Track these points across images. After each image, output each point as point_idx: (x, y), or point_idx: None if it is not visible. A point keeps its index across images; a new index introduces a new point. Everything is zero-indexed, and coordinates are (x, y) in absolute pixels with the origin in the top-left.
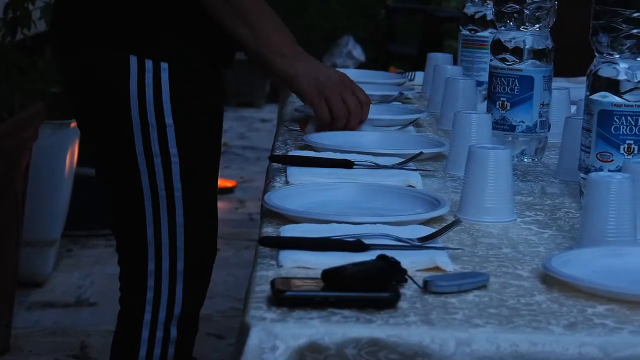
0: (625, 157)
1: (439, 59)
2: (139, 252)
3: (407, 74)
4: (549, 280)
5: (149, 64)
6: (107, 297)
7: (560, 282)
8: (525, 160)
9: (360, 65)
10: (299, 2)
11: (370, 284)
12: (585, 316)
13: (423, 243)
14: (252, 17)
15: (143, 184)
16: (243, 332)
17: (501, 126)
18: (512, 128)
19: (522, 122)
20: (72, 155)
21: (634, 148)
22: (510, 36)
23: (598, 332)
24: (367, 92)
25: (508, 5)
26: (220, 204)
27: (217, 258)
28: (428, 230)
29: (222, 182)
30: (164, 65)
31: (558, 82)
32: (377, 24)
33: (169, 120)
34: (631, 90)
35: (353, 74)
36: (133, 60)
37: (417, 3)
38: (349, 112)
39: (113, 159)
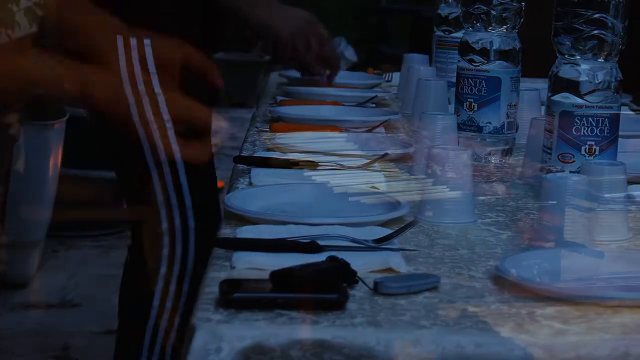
0: (587, 158)
1: (414, 60)
2: (152, 213)
3: (384, 75)
4: (501, 281)
5: (133, 41)
6: (91, 298)
7: (511, 283)
8: (493, 161)
9: (353, 66)
10: (291, 3)
11: (319, 285)
12: (533, 317)
13: (378, 244)
14: None
15: (146, 153)
16: (189, 334)
17: (469, 127)
18: (479, 129)
19: (490, 123)
20: (56, 155)
21: (595, 149)
22: (478, 37)
23: (544, 334)
24: (345, 95)
25: (475, 7)
26: None
27: None
28: (385, 232)
29: None
30: (147, 41)
31: (538, 83)
32: (368, 25)
33: (157, 89)
34: (592, 91)
35: None
36: (120, 40)
37: (409, 4)
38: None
39: (116, 138)
